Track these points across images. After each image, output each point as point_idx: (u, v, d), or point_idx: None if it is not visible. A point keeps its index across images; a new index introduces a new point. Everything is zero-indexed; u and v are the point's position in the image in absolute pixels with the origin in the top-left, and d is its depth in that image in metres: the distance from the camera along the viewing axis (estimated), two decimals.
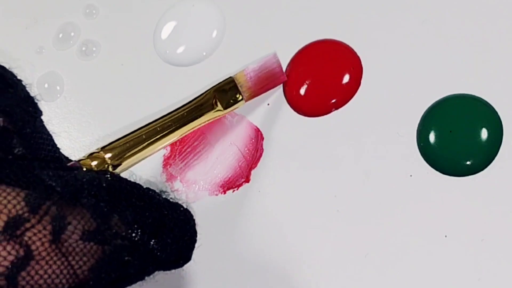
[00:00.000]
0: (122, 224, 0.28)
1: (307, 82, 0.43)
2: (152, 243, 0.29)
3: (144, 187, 0.30)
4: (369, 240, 0.39)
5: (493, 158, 0.38)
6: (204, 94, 0.41)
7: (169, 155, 0.44)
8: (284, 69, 0.43)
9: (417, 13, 0.42)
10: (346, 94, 0.42)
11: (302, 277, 0.39)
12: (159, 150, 0.40)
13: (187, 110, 0.40)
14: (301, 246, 0.40)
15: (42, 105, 0.44)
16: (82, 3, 0.50)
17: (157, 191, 0.31)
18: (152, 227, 0.29)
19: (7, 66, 0.31)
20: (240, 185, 0.42)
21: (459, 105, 0.39)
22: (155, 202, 0.30)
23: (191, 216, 0.31)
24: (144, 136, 0.39)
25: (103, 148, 0.38)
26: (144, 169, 0.44)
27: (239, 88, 0.41)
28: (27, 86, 0.31)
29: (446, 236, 0.37)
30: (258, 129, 0.43)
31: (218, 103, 0.41)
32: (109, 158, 0.37)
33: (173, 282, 0.41)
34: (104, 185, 0.29)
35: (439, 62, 0.41)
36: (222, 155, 0.43)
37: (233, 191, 0.42)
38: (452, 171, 0.38)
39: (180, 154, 0.44)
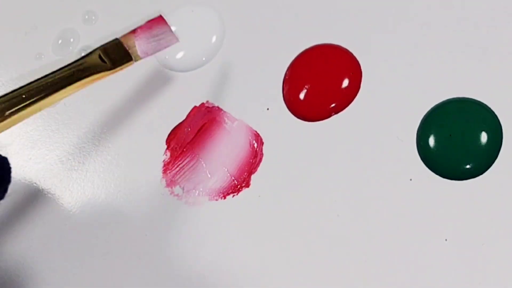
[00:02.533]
0: None
1: (307, 86, 0.43)
2: None
3: None
4: (369, 245, 0.39)
5: (493, 162, 0.38)
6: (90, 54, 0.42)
7: (168, 160, 0.44)
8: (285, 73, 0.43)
9: (416, 17, 0.42)
10: (346, 98, 0.42)
11: (303, 281, 0.39)
12: (41, 110, 0.40)
13: (72, 69, 0.41)
14: (301, 251, 0.40)
15: (41, 111, 0.44)
16: (81, 9, 0.50)
17: None
18: None
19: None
20: (240, 190, 0.42)
21: (458, 109, 0.39)
22: None
23: (6, 160, 0.38)
24: (24, 96, 0.39)
25: None
26: (143, 173, 0.44)
27: (127, 48, 0.42)
28: None
29: (446, 240, 0.37)
30: (257, 133, 0.43)
31: (106, 60, 0.41)
32: None
33: (173, 286, 0.41)
34: None
35: (438, 66, 0.41)
36: (222, 160, 0.43)
37: (233, 196, 0.42)
38: (452, 175, 0.38)
39: (180, 159, 0.44)
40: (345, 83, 0.42)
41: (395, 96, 0.41)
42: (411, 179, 0.39)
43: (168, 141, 0.45)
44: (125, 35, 0.43)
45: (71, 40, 0.49)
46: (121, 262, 0.43)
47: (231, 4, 0.47)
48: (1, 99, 0.39)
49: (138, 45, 0.43)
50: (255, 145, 0.43)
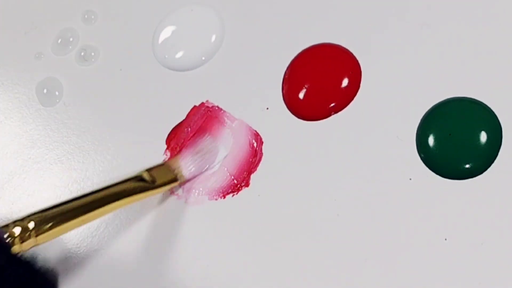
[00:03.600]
0: None
1: (306, 86, 0.43)
2: None
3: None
4: (369, 244, 0.39)
5: (493, 161, 0.38)
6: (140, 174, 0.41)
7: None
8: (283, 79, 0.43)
9: (415, 16, 0.42)
10: (345, 98, 0.42)
11: (302, 281, 0.39)
12: (87, 223, 0.40)
13: (121, 185, 0.40)
14: (301, 250, 0.40)
15: (40, 111, 0.44)
16: (80, 9, 0.50)
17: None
18: None
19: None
20: (240, 189, 0.42)
21: (458, 108, 0.39)
22: None
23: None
24: (72, 209, 0.39)
25: (28, 216, 0.37)
26: None
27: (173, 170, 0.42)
28: None
29: (446, 240, 0.37)
30: (257, 133, 0.43)
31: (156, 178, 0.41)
32: (33, 227, 0.37)
33: (172, 285, 0.41)
34: None
35: (438, 65, 0.41)
36: (222, 160, 0.43)
37: (233, 195, 0.42)
38: (452, 174, 0.38)
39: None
40: (345, 82, 0.42)
41: (394, 95, 0.41)
42: (411, 179, 0.39)
43: (168, 140, 0.45)
44: (170, 159, 0.43)
45: (71, 39, 0.49)
46: (119, 261, 0.43)
47: (231, 4, 0.47)
48: (39, 214, 0.38)
49: (184, 165, 0.42)
50: (255, 144, 0.43)
